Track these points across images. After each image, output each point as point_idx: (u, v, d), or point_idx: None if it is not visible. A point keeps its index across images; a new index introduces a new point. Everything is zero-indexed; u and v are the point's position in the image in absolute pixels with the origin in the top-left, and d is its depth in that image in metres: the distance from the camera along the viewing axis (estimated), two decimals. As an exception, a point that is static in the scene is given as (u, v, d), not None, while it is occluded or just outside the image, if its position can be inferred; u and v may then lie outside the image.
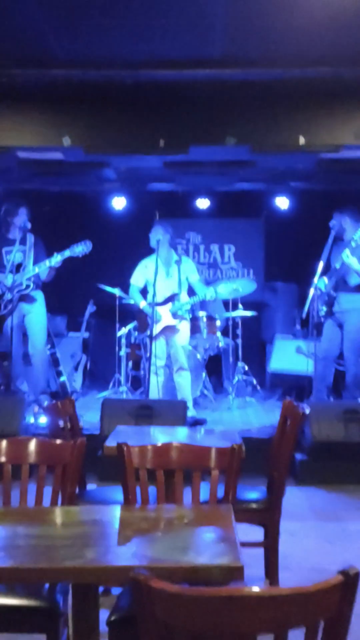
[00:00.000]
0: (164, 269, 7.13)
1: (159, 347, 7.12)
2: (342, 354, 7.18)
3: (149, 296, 7.13)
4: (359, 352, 7.01)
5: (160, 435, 4.20)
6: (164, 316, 7.10)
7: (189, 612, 1.57)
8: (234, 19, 4.72)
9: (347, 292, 6.92)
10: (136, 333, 8.27)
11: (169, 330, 7.12)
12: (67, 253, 6.81)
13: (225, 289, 7.38)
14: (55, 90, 5.79)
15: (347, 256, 6.61)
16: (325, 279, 6.99)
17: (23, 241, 7.04)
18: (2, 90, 5.77)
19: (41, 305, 7.12)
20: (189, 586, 1.80)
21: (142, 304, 7.16)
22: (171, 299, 7.11)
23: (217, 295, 7.25)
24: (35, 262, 6.96)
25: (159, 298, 7.09)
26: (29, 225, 7.05)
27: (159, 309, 7.08)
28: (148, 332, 7.09)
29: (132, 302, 7.55)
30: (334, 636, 1.65)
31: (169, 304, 7.10)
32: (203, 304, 7.92)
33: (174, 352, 7.14)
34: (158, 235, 7.06)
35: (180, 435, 4.19)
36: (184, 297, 7.16)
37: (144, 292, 7.26)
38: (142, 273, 7.19)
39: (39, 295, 7.10)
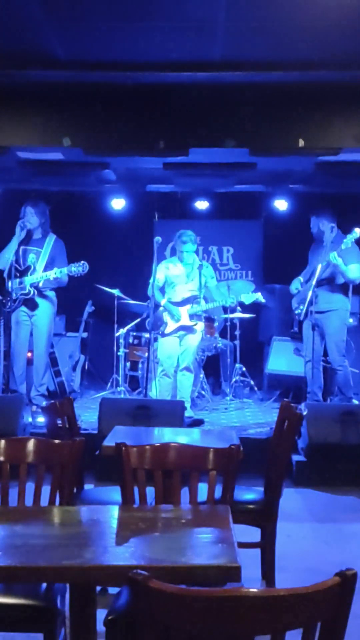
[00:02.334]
0: (185, 272, 7.33)
1: (170, 347, 7.21)
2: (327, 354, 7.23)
3: (166, 295, 7.37)
4: (343, 352, 7.06)
5: (158, 436, 4.21)
6: (182, 316, 7.25)
7: (186, 612, 1.58)
8: (234, 21, 4.73)
9: (326, 293, 6.94)
10: (133, 333, 8.30)
11: (185, 330, 7.25)
12: (64, 271, 6.92)
13: (249, 299, 7.53)
14: (56, 91, 5.79)
15: (335, 257, 6.67)
16: (301, 278, 7.09)
17: (40, 242, 7.08)
18: (2, 90, 5.77)
19: (47, 309, 7.13)
20: (187, 587, 1.81)
21: (163, 302, 7.30)
22: (191, 300, 7.28)
23: (237, 303, 7.59)
24: (51, 264, 6.99)
25: (178, 299, 7.30)
26: (48, 227, 7.13)
27: (174, 310, 7.25)
28: (161, 330, 7.27)
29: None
30: (331, 637, 1.66)
31: (188, 306, 7.26)
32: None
33: (184, 351, 7.24)
34: (193, 246, 7.31)
35: (178, 435, 4.20)
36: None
37: (161, 291, 7.43)
38: (163, 272, 7.35)
39: (46, 301, 7.11)
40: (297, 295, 7.21)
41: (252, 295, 7.57)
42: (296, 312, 7.16)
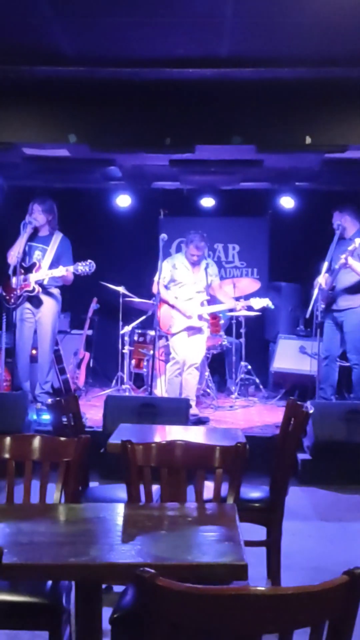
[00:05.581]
0: (193, 271, 7.35)
1: (185, 346, 7.23)
2: (345, 353, 7.18)
3: (174, 294, 7.33)
4: None
5: (163, 433, 4.20)
6: (191, 315, 7.25)
7: (194, 610, 1.57)
8: (242, 18, 4.71)
9: (345, 291, 6.91)
10: (139, 331, 8.29)
11: (194, 329, 7.27)
12: (71, 269, 6.92)
13: (258, 303, 7.54)
14: (62, 87, 5.78)
15: (346, 258, 6.63)
16: (327, 275, 6.99)
17: (46, 240, 7.07)
18: (9, 86, 5.76)
19: (52, 307, 7.11)
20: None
21: (171, 301, 7.29)
22: (198, 301, 7.29)
23: (245, 308, 7.59)
24: (57, 262, 6.99)
25: (185, 298, 7.29)
26: (56, 224, 7.12)
27: (185, 307, 7.24)
28: (170, 329, 7.26)
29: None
30: (339, 636, 1.65)
31: (196, 305, 7.26)
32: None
33: (192, 349, 7.25)
34: (204, 250, 7.32)
35: (183, 433, 4.19)
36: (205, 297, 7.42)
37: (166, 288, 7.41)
38: (170, 271, 7.34)
39: (50, 298, 7.09)
40: (321, 293, 7.03)
41: (261, 301, 7.58)
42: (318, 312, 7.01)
